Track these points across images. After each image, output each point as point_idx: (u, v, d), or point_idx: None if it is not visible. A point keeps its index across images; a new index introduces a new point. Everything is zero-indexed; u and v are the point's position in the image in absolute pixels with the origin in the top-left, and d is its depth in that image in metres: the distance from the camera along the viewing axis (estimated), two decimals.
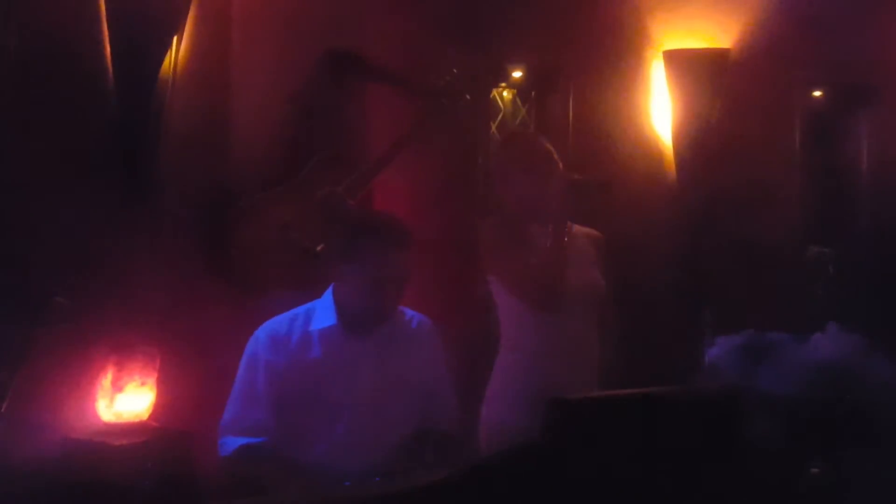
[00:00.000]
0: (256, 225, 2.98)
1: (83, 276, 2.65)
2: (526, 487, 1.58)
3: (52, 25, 2.66)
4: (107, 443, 2.58)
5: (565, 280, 2.44)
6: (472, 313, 3.19)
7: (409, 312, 2.41)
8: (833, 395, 1.95)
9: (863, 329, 2.08)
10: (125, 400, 2.68)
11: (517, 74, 3.68)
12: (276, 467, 2.22)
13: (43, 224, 2.63)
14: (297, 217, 2.98)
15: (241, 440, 2.24)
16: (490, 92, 3.67)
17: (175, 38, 2.84)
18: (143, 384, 2.69)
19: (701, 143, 3.58)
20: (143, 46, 2.78)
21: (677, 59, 3.61)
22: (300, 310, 2.35)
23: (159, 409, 2.72)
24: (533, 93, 3.75)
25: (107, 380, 2.67)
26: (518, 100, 3.76)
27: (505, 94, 3.75)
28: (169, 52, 2.82)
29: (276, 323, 2.34)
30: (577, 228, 2.57)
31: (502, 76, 3.67)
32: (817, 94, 3.80)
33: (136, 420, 2.68)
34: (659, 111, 3.69)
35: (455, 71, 3.23)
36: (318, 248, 2.89)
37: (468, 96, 3.28)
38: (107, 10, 2.74)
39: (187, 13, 2.87)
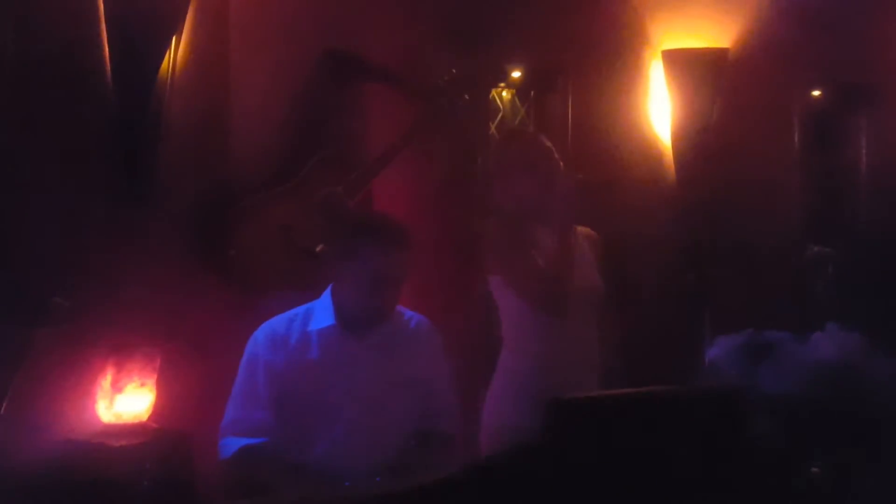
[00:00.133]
0: (256, 225, 2.98)
1: (82, 276, 2.65)
2: (526, 487, 1.58)
3: (50, 26, 2.66)
4: (106, 444, 2.57)
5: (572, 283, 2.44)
6: (470, 313, 3.19)
7: (407, 312, 2.41)
8: (833, 394, 1.95)
9: (863, 328, 2.08)
10: (125, 401, 2.67)
11: (516, 74, 3.68)
12: (277, 468, 2.22)
13: (42, 224, 2.63)
14: (297, 217, 2.98)
15: (242, 441, 2.25)
16: (489, 92, 3.67)
17: (174, 39, 2.84)
18: (142, 385, 2.69)
19: (700, 142, 3.58)
20: (141, 47, 2.77)
21: (676, 59, 3.61)
22: (299, 310, 2.35)
23: (159, 410, 2.72)
24: (532, 93, 3.75)
25: (106, 381, 2.67)
26: (517, 100, 3.76)
27: (504, 94, 3.74)
28: (168, 53, 2.82)
29: (275, 323, 2.34)
30: (575, 229, 2.56)
31: (501, 76, 3.67)
32: (816, 93, 3.80)
33: (136, 421, 2.68)
34: (658, 111, 3.69)
35: (454, 71, 3.23)
36: (318, 249, 2.89)
37: (467, 96, 3.28)
38: (105, 10, 2.74)
39: (186, 14, 2.87)
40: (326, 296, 2.36)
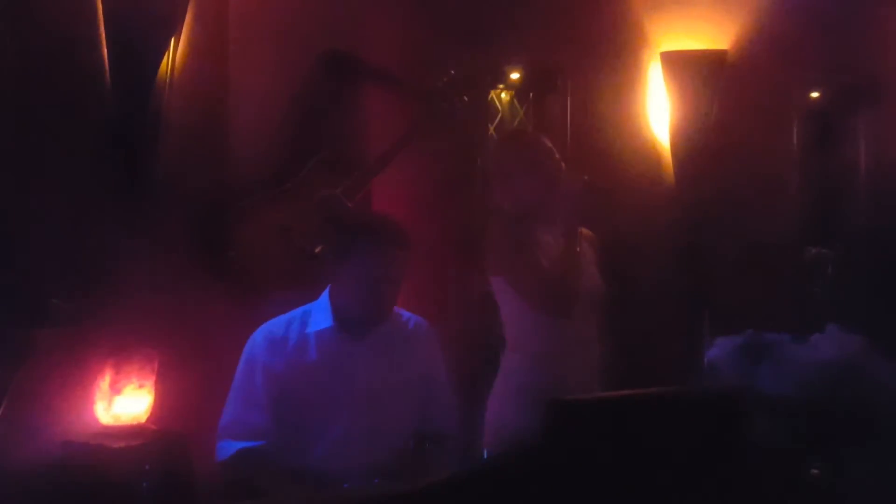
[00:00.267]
0: (255, 226, 2.98)
1: (81, 278, 2.64)
2: (526, 488, 1.57)
3: (49, 25, 2.66)
4: (105, 445, 2.57)
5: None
6: (469, 314, 3.19)
7: (405, 314, 2.41)
8: (833, 395, 1.95)
9: (862, 329, 2.08)
10: (123, 402, 2.67)
11: (515, 76, 3.68)
12: (275, 471, 2.21)
13: (40, 225, 2.62)
14: (296, 218, 2.98)
15: (239, 444, 2.24)
16: (488, 93, 3.67)
17: (173, 39, 2.84)
18: (141, 386, 2.68)
19: (699, 143, 3.58)
20: (140, 47, 2.77)
21: (675, 61, 3.61)
22: (297, 312, 2.35)
23: (158, 411, 2.72)
24: (531, 94, 3.75)
25: (105, 382, 2.66)
26: (516, 101, 3.76)
27: (503, 95, 3.74)
28: (167, 53, 2.82)
29: (273, 325, 2.33)
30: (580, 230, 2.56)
31: (500, 77, 3.67)
32: (815, 94, 3.80)
33: (135, 422, 2.68)
34: (657, 112, 3.69)
35: (452, 72, 3.24)
36: (317, 250, 2.89)
37: (466, 98, 3.28)
38: (104, 10, 2.73)
39: (185, 14, 2.86)
40: (324, 297, 2.35)
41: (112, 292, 2.68)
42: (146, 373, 2.70)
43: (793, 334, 2.06)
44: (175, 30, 2.84)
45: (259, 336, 2.33)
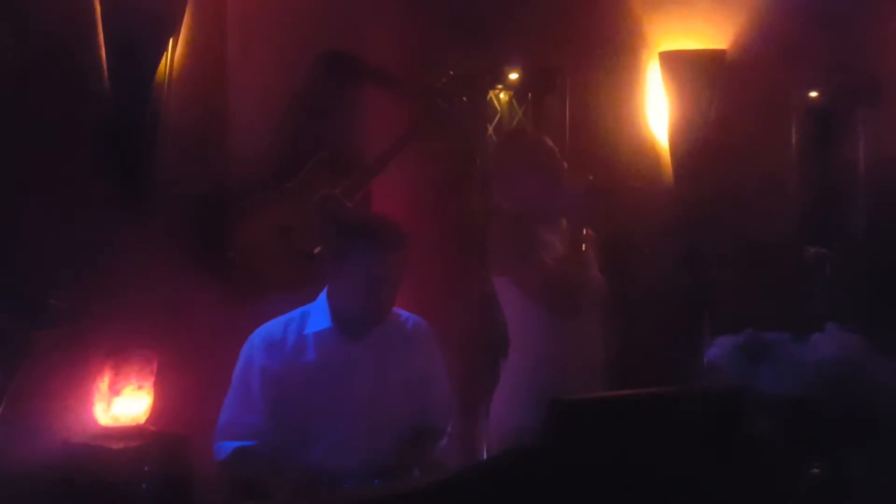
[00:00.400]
0: (254, 226, 2.97)
1: (80, 278, 2.64)
2: (526, 488, 1.57)
3: (47, 26, 2.66)
4: (104, 446, 2.57)
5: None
6: (468, 314, 3.18)
7: (404, 314, 2.41)
8: (833, 394, 1.95)
9: (862, 328, 2.08)
10: (122, 403, 2.67)
11: (514, 76, 3.68)
12: (273, 470, 2.21)
13: (39, 226, 2.62)
14: (295, 219, 2.97)
15: (236, 444, 2.24)
16: (487, 93, 3.67)
17: (171, 40, 2.84)
18: (140, 388, 2.68)
19: (698, 143, 3.58)
20: (139, 48, 2.77)
21: (673, 60, 3.61)
22: (295, 313, 2.35)
23: (157, 412, 2.71)
24: (529, 94, 3.75)
25: (104, 383, 2.66)
26: (514, 101, 3.76)
27: (501, 95, 3.74)
28: (165, 54, 2.81)
29: (271, 327, 2.33)
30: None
31: (499, 78, 3.67)
32: (814, 94, 3.80)
33: (134, 424, 2.67)
34: (656, 112, 3.69)
35: (451, 73, 3.23)
36: (316, 250, 2.89)
37: (465, 98, 3.28)
38: (102, 10, 2.73)
39: (183, 14, 2.86)
40: (322, 298, 2.35)
41: (111, 293, 2.68)
42: (145, 374, 2.70)
43: (792, 334, 2.06)
44: (174, 30, 2.84)
45: (256, 338, 2.32)
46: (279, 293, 2.74)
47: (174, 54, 2.84)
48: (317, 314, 2.33)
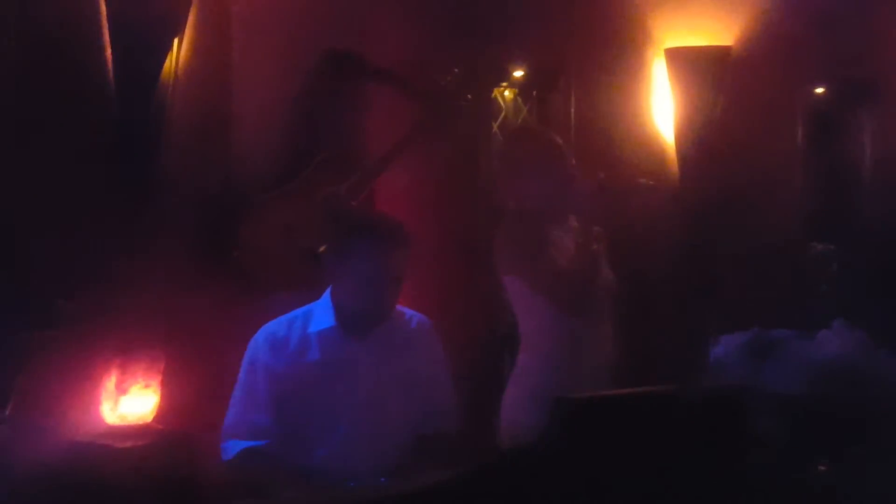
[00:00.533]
0: (259, 226, 2.98)
1: (86, 278, 2.64)
2: (532, 487, 1.57)
3: (52, 26, 2.66)
4: (111, 445, 2.57)
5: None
6: (472, 312, 3.18)
7: (408, 312, 2.41)
8: (839, 392, 1.95)
9: (868, 325, 2.08)
10: (129, 402, 2.67)
11: (518, 73, 3.68)
12: (279, 470, 2.21)
13: (45, 226, 2.63)
14: (300, 218, 2.97)
15: (243, 444, 2.24)
16: (491, 91, 3.66)
17: (176, 40, 2.84)
18: (146, 386, 2.69)
19: (703, 140, 3.57)
20: (144, 48, 2.77)
21: (679, 57, 3.60)
22: (298, 312, 2.35)
23: (163, 411, 2.72)
24: (534, 92, 3.75)
25: (111, 382, 2.66)
26: (519, 99, 3.76)
27: (506, 93, 3.74)
28: (170, 54, 2.82)
29: (275, 325, 2.33)
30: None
31: (503, 75, 3.66)
32: (820, 90, 3.79)
33: (141, 422, 2.68)
34: (661, 109, 3.69)
35: (456, 70, 3.23)
36: (321, 249, 2.89)
37: (469, 96, 3.28)
38: (108, 11, 2.74)
39: (188, 14, 2.86)
40: (326, 297, 2.35)
41: (117, 293, 2.69)
42: (152, 373, 2.70)
43: (798, 331, 2.06)
44: (178, 30, 2.85)
45: (261, 337, 2.33)
46: (284, 292, 2.75)
47: (179, 55, 2.84)
48: (320, 313, 2.33)
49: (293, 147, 3.10)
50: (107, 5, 2.74)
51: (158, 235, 2.83)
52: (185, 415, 2.74)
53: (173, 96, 2.84)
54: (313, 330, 2.31)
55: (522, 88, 3.74)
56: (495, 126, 3.70)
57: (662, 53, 3.64)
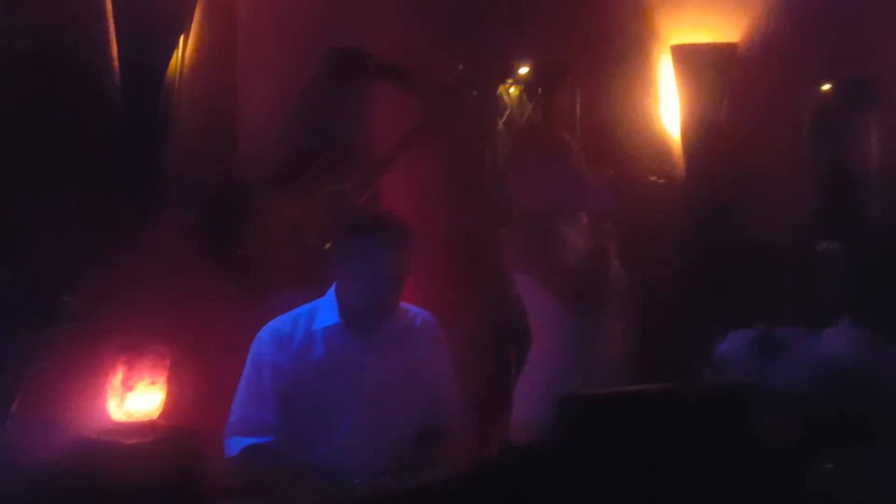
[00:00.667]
0: (264, 223, 2.98)
1: (92, 275, 2.65)
2: (537, 484, 1.57)
3: (58, 24, 2.66)
4: (117, 442, 2.58)
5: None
6: (478, 310, 3.18)
7: (413, 309, 2.40)
8: (846, 390, 1.94)
9: (874, 324, 2.07)
10: (135, 399, 2.68)
11: (523, 70, 3.67)
12: (283, 467, 2.21)
13: (51, 223, 2.63)
14: (305, 216, 2.97)
15: (247, 441, 2.24)
16: (496, 88, 3.66)
17: (181, 38, 2.84)
18: (153, 383, 2.69)
19: (709, 137, 3.56)
20: (149, 46, 2.77)
21: (685, 54, 3.59)
22: (303, 309, 2.35)
23: (169, 408, 2.72)
24: (539, 89, 3.74)
25: (117, 379, 2.67)
26: (524, 96, 3.75)
27: (511, 90, 3.73)
28: (175, 52, 2.82)
29: (279, 323, 2.34)
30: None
31: (508, 72, 3.66)
32: (827, 87, 3.78)
33: (147, 419, 2.68)
34: (667, 106, 3.68)
35: (461, 67, 3.22)
36: (326, 247, 2.89)
37: (475, 93, 3.27)
38: (113, 9, 2.74)
39: (193, 12, 2.86)
40: (331, 294, 2.35)
41: (123, 289, 2.69)
42: (158, 369, 2.71)
43: (805, 329, 2.05)
44: (184, 28, 2.84)
45: (265, 334, 2.33)
46: (290, 289, 2.75)
47: (184, 52, 2.85)
48: (325, 310, 2.33)
49: (298, 145, 3.10)
50: (112, 3, 2.74)
51: (164, 232, 2.83)
52: (192, 411, 2.75)
53: (178, 94, 2.84)
54: (318, 327, 2.31)
55: (528, 85, 3.73)
56: (500, 123, 3.70)
57: (668, 50, 3.63)
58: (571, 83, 3.65)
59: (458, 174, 3.40)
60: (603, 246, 2.41)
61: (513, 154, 2.70)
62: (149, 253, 2.77)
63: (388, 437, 2.29)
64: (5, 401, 2.40)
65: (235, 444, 2.27)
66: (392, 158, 3.09)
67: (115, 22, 2.75)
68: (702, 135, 3.58)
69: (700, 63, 3.56)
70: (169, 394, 2.72)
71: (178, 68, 2.84)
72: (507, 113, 3.72)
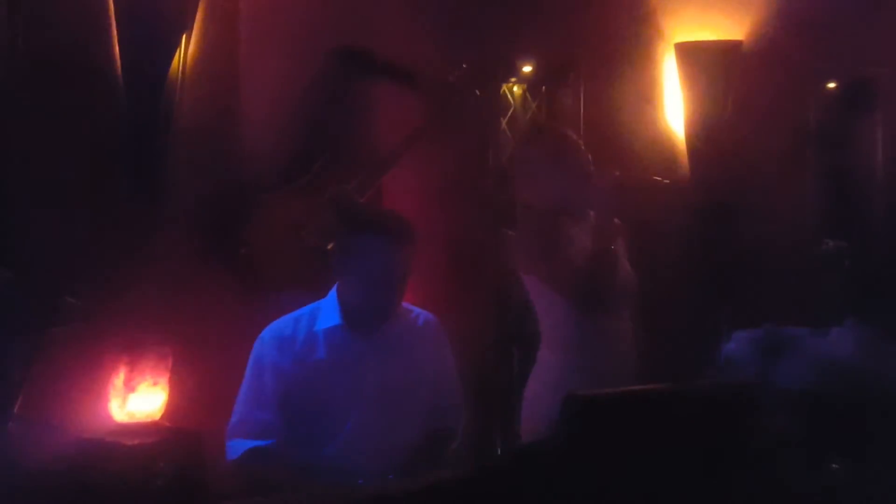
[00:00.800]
0: (267, 223, 2.97)
1: (94, 275, 2.64)
2: (540, 485, 1.56)
3: (60, 23, 2.66)
4: (119, 443, 2.58)
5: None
6: (480, 310, 3.17)
7: (415, 310, 2.39)
8: (851, 389, 1.93)
9: (881, 323, 2.06)
10: (137, 400, 2.67)
11: (527, 69, 3.66)
12: (285, 469, 2.20)
13: (53, 223, 2.63)
14: (308, 215, 2.97)
15: (249, 443, 2.24)
16: (500, 87, 3.65)
17: (184, 37, 2.84)
18: (155, 384, 2.69)
19: (714, 135, 3.55)
20: (152, 44, 2.77)
21: (689, 52, 3.57)
22: (305, 310, 2.34)
23: (172, 408, 2.72)
24: (543, 87, 3.73)
25: (119, 380, 2.67)
26: (528, 94, 3.74)
27: (515, 88, 3.72)
28: (178, 51, 2.81)
29: (281, 324, 2.33)
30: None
31: (512, 71, 3.65)
32: (832, 86, 3.76)
33: (149, 420, 2.68)
34: (671, 104, 3.66)
35: (464, 66, 3.21)
36: (329, 247, 2.88)
37: (478, 92, 3.26)
38: (116, 8, 2.73)
39: (196, 11, 2.86)
40: (332, 295, 2.34)
41: (126, 290, 2.69)
42: (160, 370, 2.70)
43: (811, 328, 2.04)
44: (186, 27, 2.84)
45: (267, 335, 2.32)
46: (293, 289, 2.74)
47: (187, 51, 2.84)
48: (327, 311, 2.32)
49: (300, 144, 3.10)
50: (114, 2, 2.73)
51: (167, 233, 2.83)
52: (194, 412, 2.74)
53: (181, 93, 2.83)
54: (320, 328, 2.30)
55: (531, 84, 3.72)
56: (504, 122, 3.68)
57: (672, 48, 3.62)
58: (575, 82, 3.64)
59: (461, 173, 3.39)
60: (609, 246, 2.40)
61: (519, 154, 2.68)
62: (151, 253, 2.77)
63: (391, 437, 2.28)
64: (7, 402, 2.40)
65: (237, 446, 2.26)
66: (394, 158, 3.08)
67: (117, 21, 2.75)
68: (706, 133, 3.56)
69: (704, 61, 3.55)
70: (171, 394, 2.72)
71: (181, 68, 2.83)
72: (510, 112, 3.71)
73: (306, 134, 3.11)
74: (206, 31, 2.91)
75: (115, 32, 2.75)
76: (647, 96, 3.65)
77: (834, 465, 1.86)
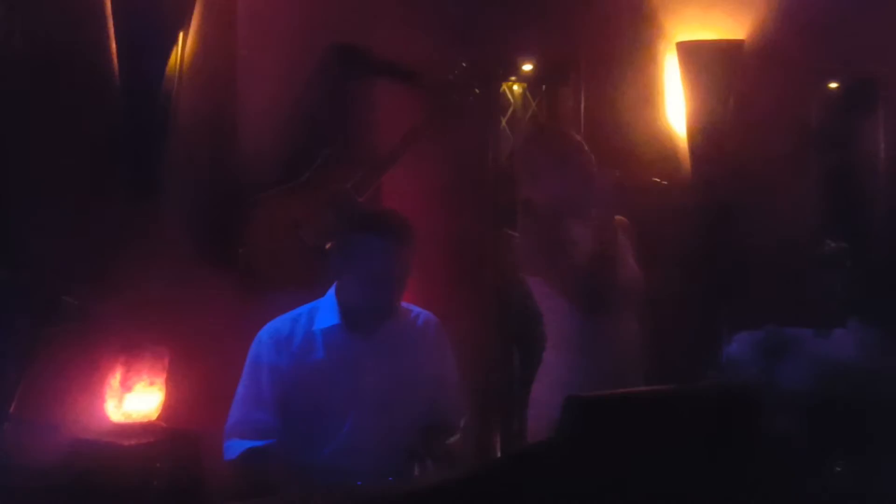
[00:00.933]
0: (265, 223, 2.96)
1: (91, 275, 2.63)
2: (541, 486, 1.55)
3: (57, 22, 2.65)
4: (116, 443, 2.57)
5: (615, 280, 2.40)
6: (479, 310, 3.16)
7: (415, 310, 2.38)
8: (853, 390, 1.92)
9: (883, 325, 2.05)
10: (134, 400, 2.66)
11: (527, 67, 3.65)
12: (283, 470, 2.19)
13: (50, 223, 2.62)
14: (306, 215, 2.96)
15: (247, 443, 2.22)
16: (500, 86, 3.64)
17: (181, 35, 2.82)
18: (151, 384, 2.68)
19: (716, 135, 3.54)
20: (149, 43, 2.76)
21: (691, 51, 3.56)
22: (303, 309, 2.32)
23: (168, 409, 2.71)
24: (543, 86, 3.72)
25: (115, 380, 2.66)
26: (528, 93, 3.73)
27: (515, 87, 3.71)
28: (175, 49, 2.80)
29: (279, 323, 2.31)
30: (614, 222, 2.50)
31: (512, 69, 3.64)
32: (833, 85, 3.75)
33: (146, 420, 2.67)
34: (672, 103, 3.65)
35: (464, 65, 3.20)
36: (327, 247, 2.87)
37: (477, 90, 3.25)
38: (112, 6, 2.72)
39: (193, 9, 2.85)
40: (331, 294, 2.33)
41: (123, 289, 2.67)
42: (157, 370, 2.69)
43: (813, 330, 2.03)
44: (183, 25, 2.83)
45: (265, 335, 2.30)
46: (291, 289, 2.72)
47: (184, 49, 2.83)
48: (325, 310, 2.30)
49: (300, 142, 3.09)
50: (111, 1, 2.72)
51: (164, 232, 2.82)
52: (190, 412, 2.73)
53: (178, 92, 2.82)
54: (318, 328, 2.29)
55: (531, 83, 3.71)
56: (504, 121, 3.67)
57: (674, 47, 3.61)
58: (575, 81, 3.63)
59: (461, 173, 3.38)
60: (610, 246, 2.38)
61: (522, 153, 2.67)
62: (148, 253, 2.75)
63: (390, 438, 2.27)
64: (4, 402, 2.38)
65: (235, 447, 2.25)
66: (394, 157, 3.07)
67: (115, 20, 2.74)
68: (707, 133, 3.55)
69: (706, 60, 3.54)
70: (168, 395, 2.71)
71: (178, 66, 2.82)
72: (510, 111, 3.70)
73: (305, 132, 3.10)
74: (204, 28, 2.90)
75: (112, 31, 2.74)
76: (648, 96, 3.64)
77: (836, 467, 1.84)
